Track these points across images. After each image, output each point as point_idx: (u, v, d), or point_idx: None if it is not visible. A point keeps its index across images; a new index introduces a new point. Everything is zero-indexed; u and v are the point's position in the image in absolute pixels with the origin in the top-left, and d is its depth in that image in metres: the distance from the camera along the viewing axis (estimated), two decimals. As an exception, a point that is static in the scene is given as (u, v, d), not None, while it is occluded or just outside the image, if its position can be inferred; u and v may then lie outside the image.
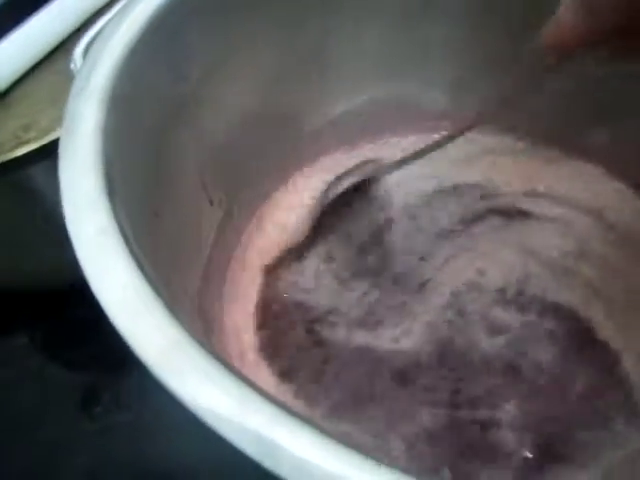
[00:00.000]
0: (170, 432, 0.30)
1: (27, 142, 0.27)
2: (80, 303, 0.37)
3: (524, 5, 0.24)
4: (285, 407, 0.09)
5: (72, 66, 0.19)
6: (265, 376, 0.21)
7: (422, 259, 0.27)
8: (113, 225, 0.11)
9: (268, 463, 0.08)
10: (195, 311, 0.20)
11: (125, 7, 0.18)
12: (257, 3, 0.21)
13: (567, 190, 0.28)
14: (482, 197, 0.29)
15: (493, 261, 0.26)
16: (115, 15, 0.18)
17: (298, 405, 0.20)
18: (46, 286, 0.36)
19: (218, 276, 0.25)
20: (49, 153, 0.28)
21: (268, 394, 0.09)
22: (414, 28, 0.26)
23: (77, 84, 0.15)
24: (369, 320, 0.24)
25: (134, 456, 0.30)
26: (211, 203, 0.24)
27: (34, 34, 0.28)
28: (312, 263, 0.27)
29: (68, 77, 0.30)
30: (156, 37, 0.17)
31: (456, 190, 0.29)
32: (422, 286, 0.25)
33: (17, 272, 0.35)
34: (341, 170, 0.30)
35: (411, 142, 0.30)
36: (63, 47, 0.31)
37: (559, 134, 0.29)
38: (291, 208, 0.29)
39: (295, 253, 0.28)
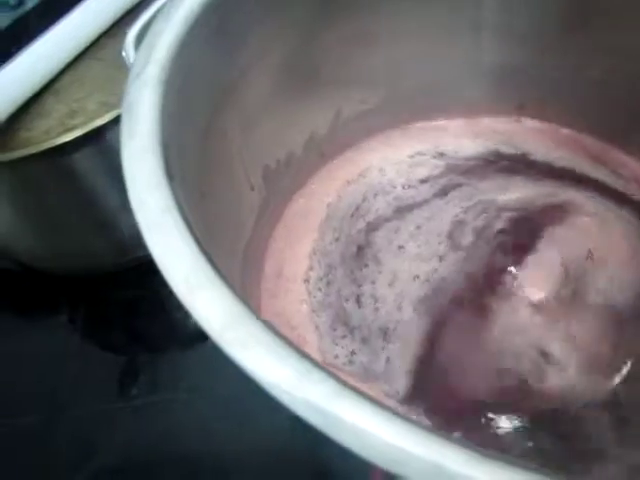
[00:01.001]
0: (202, 412, 0.31)
1: (73, 128, 0.28)
2: (119, 286, 0.39)
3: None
4: (343, 381, 0.09)
5: (123, 54, 0.20)
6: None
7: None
8: (174, 205, 0.12)
9: (329, 432, 0.09)
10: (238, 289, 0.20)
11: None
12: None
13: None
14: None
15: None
16: (165, 5, 0.18)
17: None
18: (87, 268, 0.37)
19: (256, 263, 0.26)
20: (93, 139, 0.29)
21: (327, 368, 0.09)
22: (462, 13, 0.26)
23: (134, 72, 0.16)
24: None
25: (167, 434, 0.31)
26: (252, 188, 0.25)
27: (81, 22, 0.29)
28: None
29: (113, 64, 0.31)
30: (206, 26, 0.18)
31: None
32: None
33: (60, 254, 0.37)
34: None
35: (458, 125, 0.30)
36: (109, 34, 0.31)
37: (603, 126, 0.29)
38: (326, 196, 0.29)
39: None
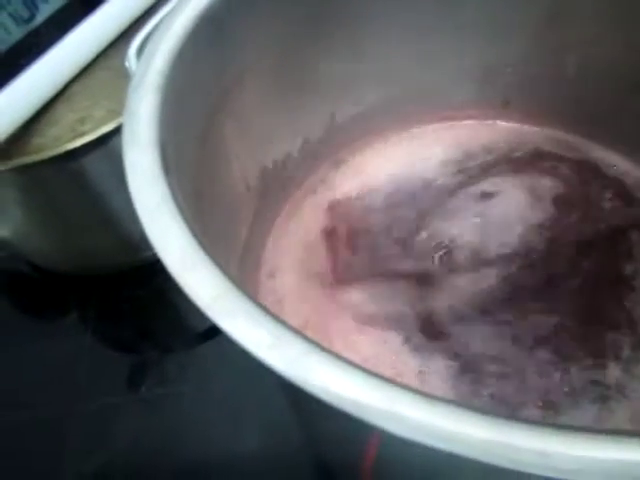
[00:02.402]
0: (208, 408, 0.33)
1: (83, 134, 0.30)
2: (128, 285, 0.40)
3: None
4: (315, 342, 0.10)
5: (126, 64, 0.21)
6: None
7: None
8: (170, 197, 0.13)
9: (303, 386, 0.10)
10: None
11: (174, 10, 0.20)
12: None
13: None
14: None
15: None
16: (165, 17, 0.20)
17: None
18: (97, 268, 0.38)
19: (253, 263, 0.27)
20: (101, 144, 0.30)
21: (301, 332, 0.11)
22: (447, 16, 0.27)
23: (135, 79, 0.17)
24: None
25: (174, 429, 0.32)
26: (248, 189, 0.26)
27: (89, 34, 0.31)
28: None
29: (120, 73, 0.32)
30: (202, 35, 0.19)
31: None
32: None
33: (70, 255, 0.38)
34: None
35: (435, 129, 0.31)
36: (115, 45, 0.33)
37: (585, 122, 0.30)
38: (322, 197, 0.31)
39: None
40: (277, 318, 0.11)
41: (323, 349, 0.10)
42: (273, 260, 0.29)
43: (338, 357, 0.10)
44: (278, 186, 0.29)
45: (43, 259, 0.39)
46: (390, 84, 0.30)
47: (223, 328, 0.11)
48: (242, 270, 0.25)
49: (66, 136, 0.30)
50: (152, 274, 0.38)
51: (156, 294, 0.38)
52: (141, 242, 0.36)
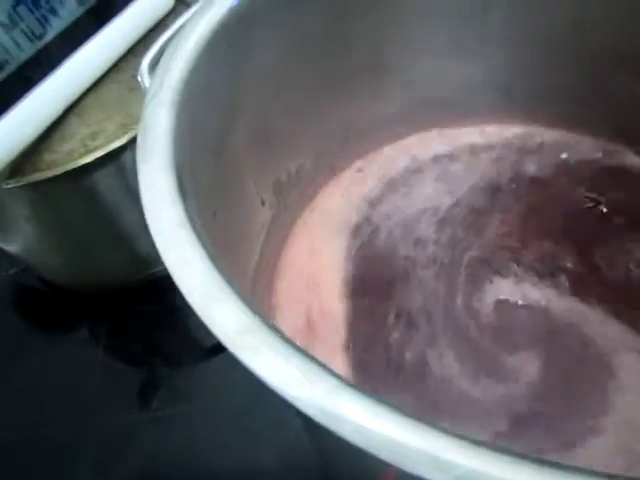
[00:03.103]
0: (218, 423, 0.32)
1: (94, 150, 0.29)
2: (139, 300, 0.39)
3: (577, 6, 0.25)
4: (345, 379, 0.10)
5: (139, 78, 0.21)
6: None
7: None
8: (186, 220, 0.13)
9: (332, 427, 0.09)
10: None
11: (186, 25, 0.19)
12: (311, 3, 0.22)
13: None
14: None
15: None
16: (178, 32, 0.19)
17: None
18: (108, 284, 0.38)
19: (268, 277, 0.27)
20: (113, 159, 0.30)
21: (331, 369, 0.10)
22: (471, 24, 0.27)
23: (149, 95, 0.17)
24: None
25: (185, 444, 0.32)
26: (263, 203, 0.26)
27: (100, 49, 0.31)
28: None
29: (131, 87, 0.32)
30: (215, 50, 0.19)
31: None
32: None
33: (82, 270, 0.38)
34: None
35: (458, 135, 0.31)
36: (126, 58, 0.33)
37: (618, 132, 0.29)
38: (337, 208, 0.30)
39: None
40: (306, 353, 0.10)
41: (354, 386, 0.09)
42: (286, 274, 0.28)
43: (372, 397, 0.09)
44: (293, 198, 0.28)
45: (54, 275, 0.39)
46: (409, 92, 0.29)
47: (247, 365, 0.10)
48: (255, 284, 0.24)
49: (78, 151, 0.29)
50: (162, 289, 0.38)
51: (166, 309, 0.37)
52: (151, 258, 0.36)
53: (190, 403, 0.33)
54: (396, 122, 0.30)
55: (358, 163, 0.31)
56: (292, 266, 0.28)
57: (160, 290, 0.37)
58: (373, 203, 0.29)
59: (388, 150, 0.31)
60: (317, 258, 0.28)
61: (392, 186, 0.30)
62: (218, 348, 0.37)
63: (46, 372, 0.36)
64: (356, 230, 0.29)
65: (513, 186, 0.29)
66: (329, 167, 0.29)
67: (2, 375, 0.37)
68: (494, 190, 0.29)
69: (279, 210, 0.27)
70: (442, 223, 0.28)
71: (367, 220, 0.29)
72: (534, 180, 0.29)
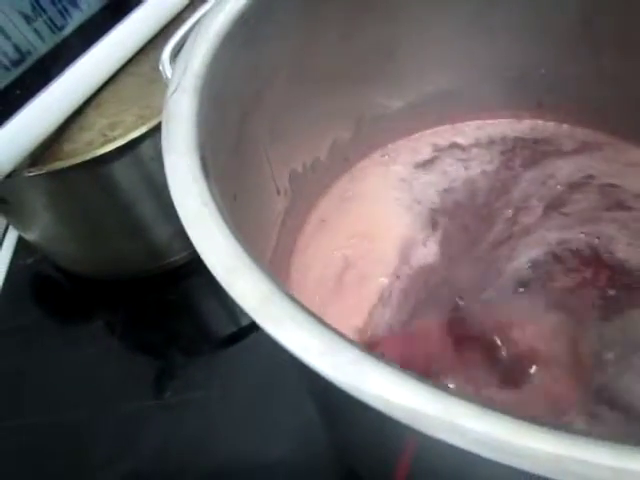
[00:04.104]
0: (232, 411, 0.33)
1: (113, 140, 0.30)
2: (155, 289, 0.40)
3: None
4: (365, 349, 0.10)
5: (160, 67, 0.21)
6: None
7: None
8: (211, 199, 0.13)
9: (354, 393, 0.10)
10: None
11: (207, 15, 0.20)
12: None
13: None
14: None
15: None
16: (199, 22, 0.20)
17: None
18: (124, 272, 0.39)
19: (282, 266, 0.27)
20: (131, 149, 0.31)
21: (350, 338, 0.10)
22: (480, 18, 0.27)
23: (173, 81, 0.17)
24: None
25: (199, 432, 0.32)
26: (278, 192, 0.26)
27: (118, 42, 0.31)
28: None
29: (148, 79, 0.33)
30: (236, 39, 0.19)
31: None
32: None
33: (98, 259, 0.39)
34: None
35: (471, 129, 0.31)
36: (144, 51, 0.33)
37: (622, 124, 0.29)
38: (351, 200, 0.30)
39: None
40: (327, 324, 0.10)
41: (375, 356, 0.10)
42: (301, 264, 0.28)
43: (391, 364, 0.10)
44: (308, 188, 0.29)
45: (71, 263, 0.40)
46: (420, 85, 0.30)
47: (271, 333, 0.10)
48: (272, 267, 0.24)
49: (97, 141, 0.30)
50: (178, 279, 0.38)
51: (182, 299, 0.38)
52: (167, 247, 0.36)
53: (205, 391, 0.34)
54: (408, 115, 0.30)
55: (373, 156, 0.31)
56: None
57: (176, 279, 0.38)
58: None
59: (404, 142, 0.31)
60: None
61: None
62: (233, 337, 0.37)
63: (62, 360, 0.37)
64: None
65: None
66: (343, 158, 0.30)
67: (19, 363, 0.38)
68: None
69: (294, 199, 0.27)
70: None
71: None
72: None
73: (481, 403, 0.09)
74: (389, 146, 0.32)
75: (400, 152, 0.32)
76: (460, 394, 0.09)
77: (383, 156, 0.32)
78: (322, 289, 0.26)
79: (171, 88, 0.17)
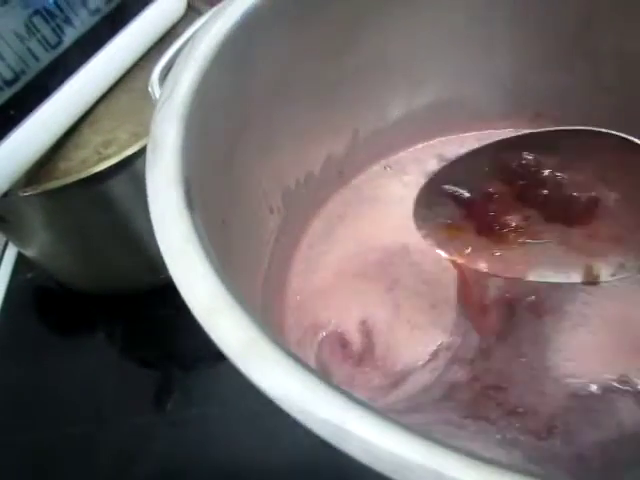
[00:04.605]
0: (232, 427, 0.32)
1: (107, 157, 0.30)
2: (153, 304, 0.40)
3: (585, 5, 0.24)
4: (352, 398, 0.10)
5: (150, 89, 0.21)
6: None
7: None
8: (194, 236, 0.13)
9: (339, 445, 0.09)
10: (258, 310, 0.21)
11: (195, 36, 0.19)
12: (316, 12, 0.22)
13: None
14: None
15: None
16: (187, 43, 0.20)
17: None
18: (123, 288, 0.39)
19: (278, 283, 0.27)
20: (126, 166, 0.30)
21: (337, 386, 0.10)
22: (477, 29, 0.27)
23: (157, 109, 0.17)
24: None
25: (202, 448, 0.32)
26: (271, 211, 0.26)
27: (113, 58, 0.31)
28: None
29: (143, 95, 0.33)
30: (223, 62, 0.19)
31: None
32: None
33: (97, 275, 0.38)
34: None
35: (470, 142, 0.30)
36: (138, 66, 0.33)
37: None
38: (345, 216, 0.30)
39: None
40: (310, 369, 0.10)
41: (359, 404, 0.09)
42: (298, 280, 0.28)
43: (378, 414, 0.09)
44: (302, 205, 0.28)
45: (70, 279, 0.40)
46: (415, 96, 0.29)
47: (252, 380, 0.10)
48: (266, 291, 0.24)
49: (91, 159, 0.30)
50: (177, 293, 0.38)
51: (182, 313, 0.37)
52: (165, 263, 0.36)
53: (205, 405, 0.34)
54: (402, 128, 0.29)
55: (367, 171, 0.31)
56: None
57: (175, 294, 0.38)
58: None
59: (394, 158, 0.31)
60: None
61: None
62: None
63: (63, 373, 0.37)
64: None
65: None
66: (338, 174, 0.29)
67: (20, 376, 0.38)
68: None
69: (287, 217, 0.27)
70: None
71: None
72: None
73: (468, 454, 0.09)
74: (391, 158, 0.32)
75: (405, 163, 0.31)
76: (446, 444, 0.09)
77: (386, 168, 0.31)
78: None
79: (156, 115, 0.16)
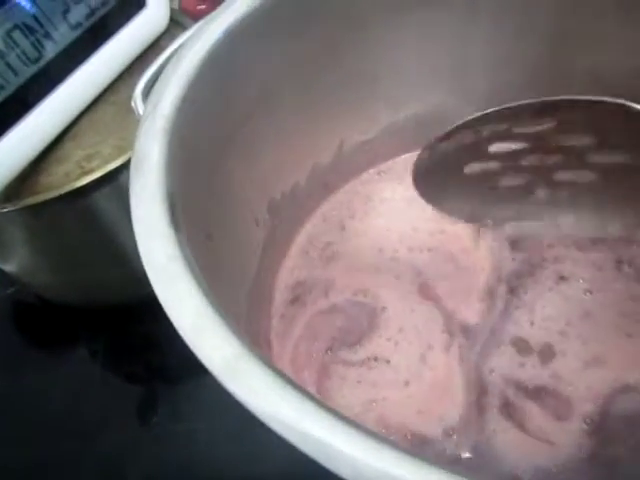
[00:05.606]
0: (219, 441, 0.32)
1: (90, 171, 0.29)
2: (137, 319, 0.39)
3: (563, 24, 0.25)
4: (340, 415, 0.10)
5: (132, 104, 0.21)
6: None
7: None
8: (179, 254, 0.13)
9: (327, 465, 0.09)
10: (244, 324, 0.21)
11: (179, 51, 0.19)
12: (300, 29, 0.23)
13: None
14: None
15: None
16: (171, 57, 0.20)
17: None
18: (106, 302, 0.38)
19: (264, 294, 0.27)
20: (110, 180, 0.30)
21: (324, 403, 0.10)
22: (455, 45, 0.27)
23: (141, 124, 0.17)
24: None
25: (188, 464, 0.32)
26: (257, 224, 0.26)
27: (96, 71, 0.31)
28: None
29: (126, 108, 0.33)
30: (208, 78, 0.19)
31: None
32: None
33: (80, 290, 0.38)
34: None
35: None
36: (121, 78, 0.33)
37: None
38: (330, 228, 0.30)
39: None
40: (297, 387, 0.10)
41: (347, 424, 0.10)
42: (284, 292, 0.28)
43: (367, 432, 0.09)
44: (288, 217, 0.28)
45: (52, 293, 0.39)
46: (402, 107, 0.30)
47: (238, 397, 0.10)
48: (252, 304, 0.24)
49: (74, 173, 0.30)
50: (161, 308, 0.38)
51: (165, 327, 0.37)
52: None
53: (192, 422, 0.33)
54: (386, 140, 0.30)
55: (352, 182, 0.31)
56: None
57: (159, 308, 0.37)
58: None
59: (380, 169, 0.31)
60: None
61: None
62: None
63: (45, 389, 0.36)
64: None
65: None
66: (323, 186, 0.30)
67: (0, 393, 0.37)
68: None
69: (274, 229, 0.27)
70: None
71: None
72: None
73: (457, 472, 0.09)
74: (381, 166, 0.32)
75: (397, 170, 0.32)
76: (435, 462, 0.09)
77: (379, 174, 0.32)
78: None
79: (139, 131, 0.16)
